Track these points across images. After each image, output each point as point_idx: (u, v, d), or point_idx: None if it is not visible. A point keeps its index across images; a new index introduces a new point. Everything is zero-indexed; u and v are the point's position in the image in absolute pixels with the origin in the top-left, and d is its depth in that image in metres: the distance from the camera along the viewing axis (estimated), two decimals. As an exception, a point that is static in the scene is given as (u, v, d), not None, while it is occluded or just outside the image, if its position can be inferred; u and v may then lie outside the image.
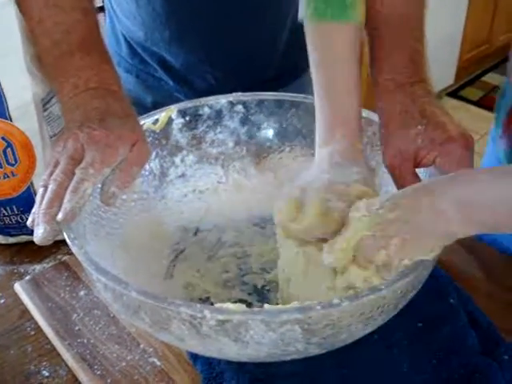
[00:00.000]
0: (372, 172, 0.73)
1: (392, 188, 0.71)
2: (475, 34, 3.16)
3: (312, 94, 0.76)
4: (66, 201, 0.62)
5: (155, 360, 0.70)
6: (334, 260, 0.60)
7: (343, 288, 0.61)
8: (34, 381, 0.69)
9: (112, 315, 0.75)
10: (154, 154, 0.83)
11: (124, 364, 0.69)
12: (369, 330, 0.60)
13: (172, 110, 0.84)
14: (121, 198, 0.75)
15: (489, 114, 3.04)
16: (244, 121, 0.87)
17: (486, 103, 3.20)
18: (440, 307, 0.73)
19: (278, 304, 0.72)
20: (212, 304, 0.73)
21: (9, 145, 0.81)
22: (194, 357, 0.68)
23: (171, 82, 1.09)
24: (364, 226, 0.59)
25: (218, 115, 0.86)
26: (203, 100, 0.86)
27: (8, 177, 0.83)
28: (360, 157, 0.72)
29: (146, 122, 0.82)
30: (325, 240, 0.63)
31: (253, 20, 1.01)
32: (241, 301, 0.76)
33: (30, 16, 0.75)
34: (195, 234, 0.84)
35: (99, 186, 0.68)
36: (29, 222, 0.63)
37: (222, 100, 0.86)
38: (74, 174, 0.64)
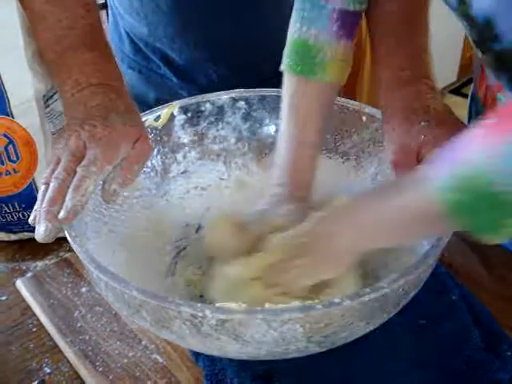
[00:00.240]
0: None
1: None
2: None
3: None
4: (67, 199, 0.62)
5: (157, 357, 0.70)
6: (239, 273, 0.67)
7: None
8: (36, 377, 0.69)
9: (114, 312, 0.75)
10: (155, 150, 0.83)
11: (126, 361, 0.69)
12: (370, 328, 0.60)
13: (174, 107, 0.84)
14: (123, 195, 0.75)
15: (492, 111, 3.01)
16: (246, 117, 0.87)
17: (489, 99, 3.18)
18: (442, 304, 0.73)
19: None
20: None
21: (10, 141, 0.81)
22: (196, 353, 0.68)
23: (174, 79, 1.09)
24: (277, 252, 0.65)
25: (219, 111, 0.86)
26: (205, 96, 0.85)
27: (10, 173, 0.83)
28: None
29: (148, 118, 0.82)
30: None
31: (256, 17, 1.01)
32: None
33: (32, 12, 0.75)
34: (197, 230, 0.84)
35: (101, 183, 0.68)
36: (31, 220, 0.63)
37: (223, 96, 0.86)
38: (75, 171, 0.64)
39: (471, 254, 0.84)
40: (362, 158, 0.83)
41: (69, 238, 0.61)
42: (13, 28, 0.77)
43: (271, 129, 0.88)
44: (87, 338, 0.72)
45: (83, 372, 0.69)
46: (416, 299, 0.62)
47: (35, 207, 0.63)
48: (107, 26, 1.18)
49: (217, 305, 0.56)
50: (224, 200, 0.87)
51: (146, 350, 0.71)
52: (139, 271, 0.70)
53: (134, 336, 0.72)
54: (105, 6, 1.27)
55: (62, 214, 0.61)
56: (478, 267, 0.82)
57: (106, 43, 0.78)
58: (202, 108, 0.85)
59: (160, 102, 0.87)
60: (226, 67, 1.06)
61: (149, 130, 0.81)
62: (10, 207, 0.86)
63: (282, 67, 0.77)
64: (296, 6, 0.76)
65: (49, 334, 0.74)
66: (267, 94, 0.86)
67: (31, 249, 0.88)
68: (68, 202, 0.62)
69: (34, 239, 0.62)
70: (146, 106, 0.89)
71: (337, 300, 0.51)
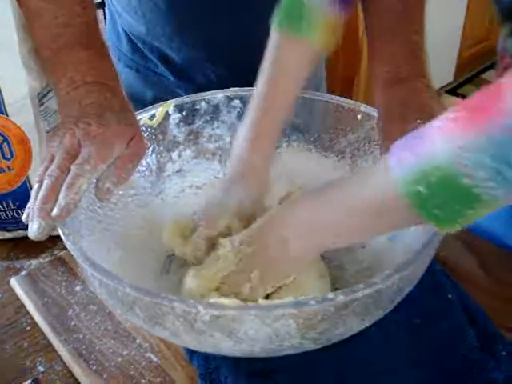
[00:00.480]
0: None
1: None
2: (475, 31, 3.15)
3: (309, 88, 0.76)
4: (61, 197, 0.62)
5: (151, 355, 0.70)
6: (195, 286, 0.66)
7: None
8: (30, 376, 0.68)
9: (108, 311, 0.75)
10: (150, 149, 0.83)
11: (120, 359, 0.69)
12: (365, 324, 0.59)
13: (169, 105, 0.84)
14: (117, 194, 0.75)
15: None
16: (241, 116, 0.86)
17: (485, 100, 3.19)
18: (437, 303, 0.73)
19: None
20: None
21: (5, 139, 0.81)
22: (190, 352, 0.68)
23: (172, 78, 1.09)
24: (230, 262, 0.65)
25: (215, 110, 0.86)
26: (200, 95, 0.85)
27: (4, 171, 0.83)
28: (262, 176, 0.76)
29: (143, 117, 0.82)
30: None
31: (255, 16, 1.01)
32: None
33: (29, 9, 0.75)
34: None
35: (95, 181, 0.67)
36: (24, 217, 0.63)
37: (219, 95, 0.86)
38: (69, 169, 0.64)
39: (467, 253, 0.84)
40: (358, 157, 0.83)
41: (62, 236, 0.61)
42: (7, 25, 0.77)
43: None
44: (81, 336, 0.72)
45: (77, 371, 0.68)
46: (411, 297, 0.62)
47: (28, 205, 0.63)
48: (103, 25, 1.18)
49: (210, 300, 0.56)
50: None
51: (140, 349, 0.70)
52: (133, 269, 0.70)
53: (128, 334, 0.72)
54: (101, 5, 1.27)
55: (55, 212, 0.61)
56: (474, 267, 0.82)
57: (102, 42, 0.78)
58: (197, 106, 0.85)
59: (157, 101, 0.87)
60: (225, 67, 1.05)
61: (144, 128, 0.81)
62: (5, 205, 0.85)
63: (272, 22, 0.75)
64: None
65: (43, 333, 0.74)
66: (262, 92, 0.86)
67: (25, 247, 0.87)
68: (61, 200, 0.62)
69: (28, 237, 0.62)
70: (143, 105, 0.89)
71: (330, 296, 0.51)
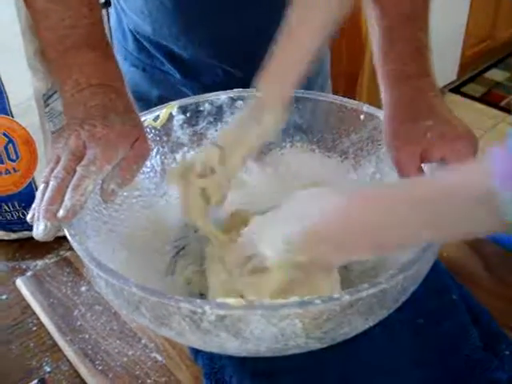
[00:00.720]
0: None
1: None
2: (478, 29, 3.15)
3: (314, 87, 0.75)
4: (67, 198, 0.62)
5: (157, 355, 0.70)
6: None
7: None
8: (36, 376, 0.69)
9: (113, 311, 0.76)
10: (155, 150, 0.83)
11: (125, 359, 0.70)
12: (370, 324, 0.60)
13: (172, 107, 0.84)
14: (122, 195, 0.75)
15: (491, 111, 3.02)
16: (244, 117, 0.87)
17: (488, 99, 3.18)
18: (441, 303, 0.73)
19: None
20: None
21: (10, 141, 0.81)
22: (196, 352, 0.68)
23: (178, 75, 1.09)
24: (285, 272, 0.61)
25: (218, 111, 0.86)
26: (204, 96, 0.86)
27: (9, 172, 0.83)
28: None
29: (147, 118, 0.82)
30: None
31: (261, 14, 1.01)
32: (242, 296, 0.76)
33: (35, 10, 0.75)
34: (196, 230, 0.84)
35: (100, 182, 0.68)
36: (28, 218, 0.63)
37: (222, 96, 0.86)
38: (75, 170, 0.64)
39: (471, 253, 0.84)
40: (361, 157, 0.83)
41: (68, 236, 0.61)
42: (13, 27, 0.77)
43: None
44: (87, 336, 0.72)
45: (83, 371, 0.69)
46: (415, 297, 0.62)
47: (33, 205, 0.63)
48: (107, 26, 1.18)
49: (216, 300, 0.56)
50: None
51: (145, 349, 0.71)
52: (139, 270, 0.70)
53: (134, 335, 0.73)
54: (105, 4, 1.27)
55: (61, 213, 0.61)
56: (478, 267, 0.82)
57: (107, 42, 0.78)
58: (201, 108, 0.86)
59: (163, 99, 0.87)
60: (231, 65, 1.06)
61: (148, 130, 0.81)
62: (10, 206, 0.86)
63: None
64: None
65: (49, 333, 0.74)
66: (266, 93, 0.86)
67: (31, 248, 0.88)
68: (67, 202, 0.62)
69: (34, 238, 0.62)
70: (149, 104, 0.89)
71: (335, 295, 0.51)
